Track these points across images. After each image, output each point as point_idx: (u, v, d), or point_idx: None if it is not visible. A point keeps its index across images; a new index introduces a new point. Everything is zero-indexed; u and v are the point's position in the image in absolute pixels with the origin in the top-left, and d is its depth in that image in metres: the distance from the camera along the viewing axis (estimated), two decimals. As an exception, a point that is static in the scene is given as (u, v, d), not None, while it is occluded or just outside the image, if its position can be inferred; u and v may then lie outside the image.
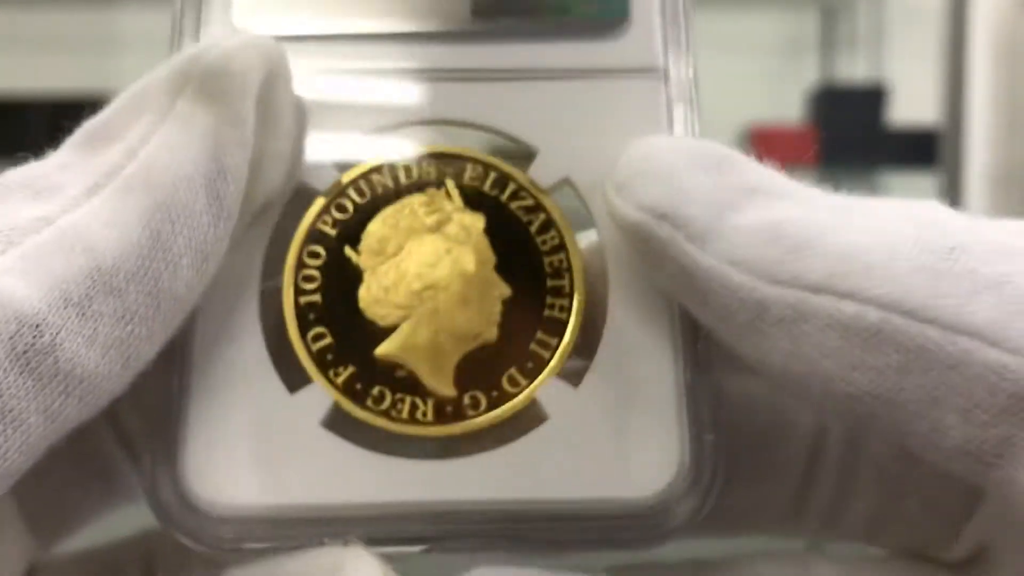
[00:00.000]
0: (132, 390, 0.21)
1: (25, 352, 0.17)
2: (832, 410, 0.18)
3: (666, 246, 0.19)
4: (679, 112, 0.22)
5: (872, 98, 2.06)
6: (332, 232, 0.21)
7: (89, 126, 0.20)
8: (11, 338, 0.17)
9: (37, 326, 0.17)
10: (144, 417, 0.22)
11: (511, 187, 0.22)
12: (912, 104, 2.05)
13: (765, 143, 2.07)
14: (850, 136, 2.01)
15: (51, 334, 0.17)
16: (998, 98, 2.01)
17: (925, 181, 1.88)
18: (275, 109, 0.20)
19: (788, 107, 2.14)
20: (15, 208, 0.18)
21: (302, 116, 0.21)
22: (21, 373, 0.17)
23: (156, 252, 0.18)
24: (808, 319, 0.17)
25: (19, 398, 0.17)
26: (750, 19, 2.17)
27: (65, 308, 0.17)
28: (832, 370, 0.17)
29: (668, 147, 0.20)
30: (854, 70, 2.18)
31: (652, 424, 0.21)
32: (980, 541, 0.22)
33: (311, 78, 0.22)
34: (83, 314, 0.17)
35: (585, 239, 0.22)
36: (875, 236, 0.17)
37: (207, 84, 0.19)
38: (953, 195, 1.81)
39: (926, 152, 1.95)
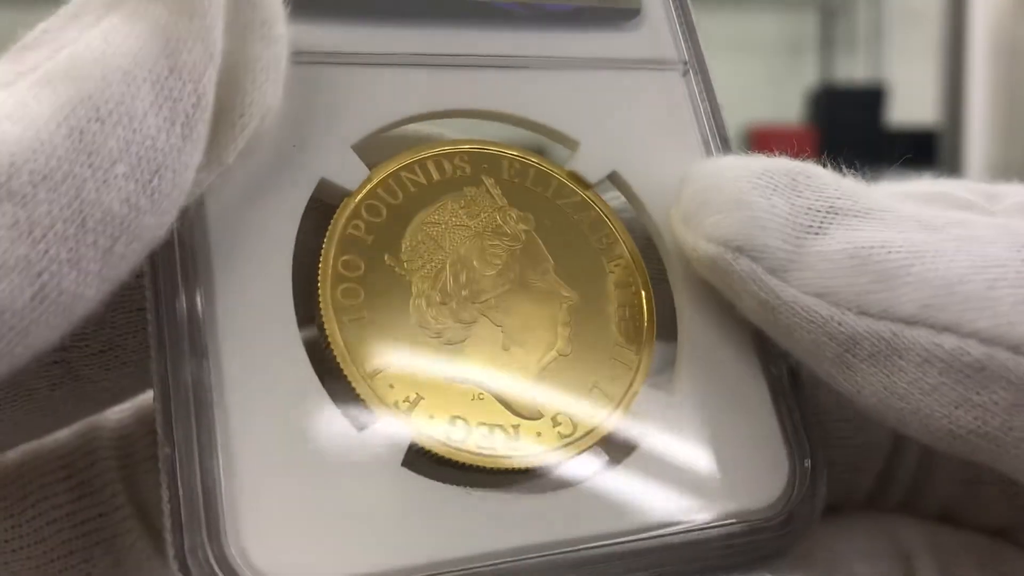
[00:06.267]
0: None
1: None
2: (931, 444, 0.17)
3: (745, 280, 0.17)
4: (706, 106, 0.21)
5: (871, 98, 2.07)
6: (367, 238, 0.18)
7: (25, 38, 0.16)
8: None
9: None
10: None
11: (554, 183, 0.20)
12: (911, 104, 2.06)
13: (765, 143, 2.07)
14: (849, 136, 2.01)
15: None
16: (997, 98, 2.02)
17: (924, 180, 1.89)
18: (257, 2, 0.16)
19: (788, 107, 2.15)
20: None
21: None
22: None
23: (77, 155, 0.14)
24: (903, 354, 0.16)
25: None
26: (750, 20, 2.18)
27: None
28: (932, 407, 0.16)
29: (734, 169, 0.18)
30: (853, 70, 2.19)
31: (753, 430, 0.19)
32: None
33: (324, 62, 0.18)
34: None
35: (639, 236, 0.20)
36: (972, 262, 0.16)
37: None
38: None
39: (925, 151, 1.96)
